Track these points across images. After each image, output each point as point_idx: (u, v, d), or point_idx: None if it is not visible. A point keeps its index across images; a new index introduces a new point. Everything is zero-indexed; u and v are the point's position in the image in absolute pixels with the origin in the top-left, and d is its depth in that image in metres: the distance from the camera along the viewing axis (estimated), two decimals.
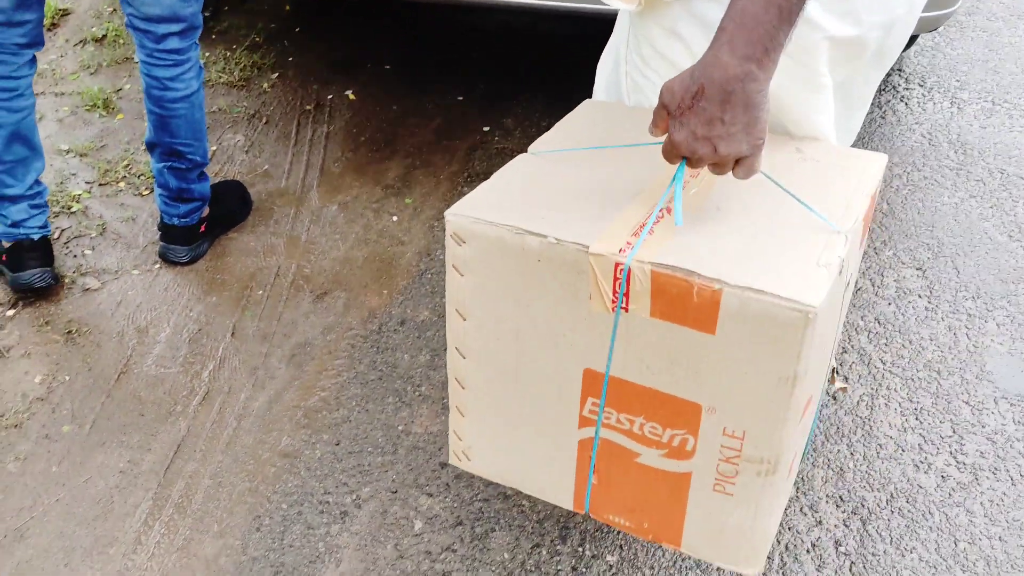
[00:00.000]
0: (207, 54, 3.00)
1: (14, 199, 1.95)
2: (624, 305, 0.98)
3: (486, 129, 2.72)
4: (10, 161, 1.93)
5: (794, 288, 0.90)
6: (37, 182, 1.99)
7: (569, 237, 0.99)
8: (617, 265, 0.96)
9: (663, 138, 0.99)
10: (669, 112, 0.95)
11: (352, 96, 2.84)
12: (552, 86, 2.89)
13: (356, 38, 3.13)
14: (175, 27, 1.90)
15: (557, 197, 1.07)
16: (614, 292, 0.98)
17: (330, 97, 2.84)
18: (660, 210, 1.02)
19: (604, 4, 1.19)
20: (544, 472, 1.19)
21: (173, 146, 2.02)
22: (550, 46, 3.13)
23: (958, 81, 3.08)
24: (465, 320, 1.12)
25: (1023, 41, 3.39)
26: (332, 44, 3.10)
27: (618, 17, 1.40)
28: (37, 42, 1.90)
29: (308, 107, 2.79)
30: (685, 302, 0.94)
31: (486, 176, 2.73)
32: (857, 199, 1.07)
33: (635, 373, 1.03)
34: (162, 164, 2.05)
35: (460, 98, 2.86)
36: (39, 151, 1.99)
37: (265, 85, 2.88)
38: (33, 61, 1.93)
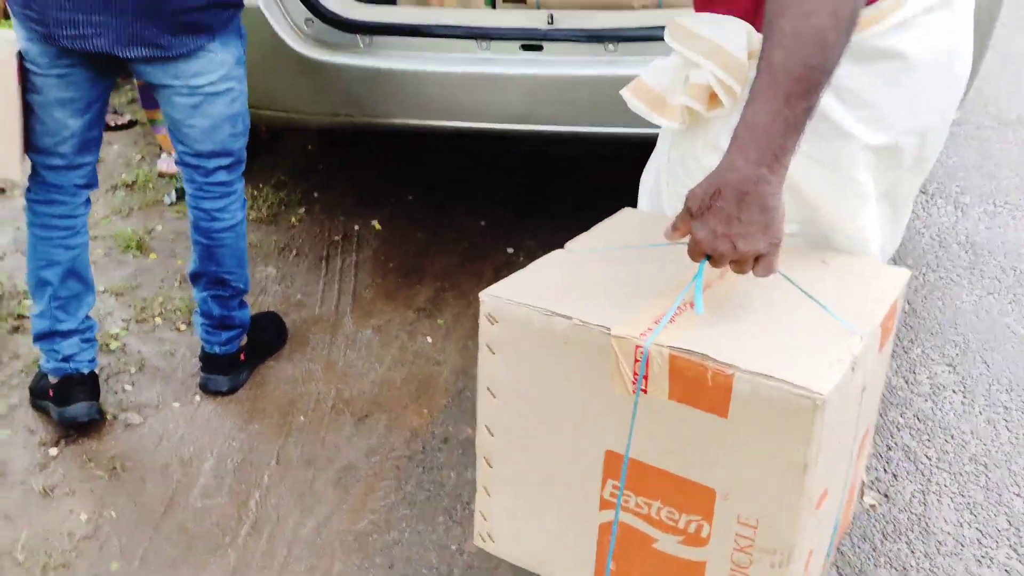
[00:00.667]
0: None
1: (66, 334, 1.99)
2: (643, 387, 1.04)
3: (510, 251, 2.80)
4: (64, 296, 1.99)
5: (805, 376, 0.94)
6: (87, 317, 2.04)
7: (594, 320, 1.05)
8: (637, 348, 1.02)
9: (676, 239, 1.07)
10: (692, 214, 1.02)
11: (378, 226, 2.94)
12: (572, 207, 3.00)
13: (378, 171, 3.26)
14: (224, 161, 2.00)
15: (586, 287, 1.15)
16: (634, 374, 1.03)
17: (357, 228, 2.94)
18: (682, 302, 1.07)
19: (653, 123, 1.26)
20: (565, 556, 1.21)
21: (218, 275, 2.08)
22: (567, 167, 3.26)
23: (958, 186, 3.21)
24: (495, 398, 1.18)
25: (1014, 147, 3.54)
26: (355, 178, 3.22)
27: (660, 135, 1.49)
28: (93, 183, 2.00)
29: (336, 238, 2.88)
30: (700, 385, 0.99)
31: None
32: (877, 306, 1.12)
33: (653, 455, 1.07)
34: (206, 293, 2.11)
35: (482, 223, 2.96)
36: (91, 286, 2.06)
37: (293, 220, 2.97)
38: (88, 201, 2.02)
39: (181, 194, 3.08)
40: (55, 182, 1.94)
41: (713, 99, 1.16)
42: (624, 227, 1.34)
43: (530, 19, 2.18)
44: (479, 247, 2.83)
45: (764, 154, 0.96)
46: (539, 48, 2.15)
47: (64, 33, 1.73)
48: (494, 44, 2.17)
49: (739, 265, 1.02)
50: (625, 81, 2.13)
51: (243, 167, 2.06)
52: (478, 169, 3.27)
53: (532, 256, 2.73)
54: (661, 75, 1.21)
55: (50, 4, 1.70)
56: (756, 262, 1.01)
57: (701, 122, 1.21)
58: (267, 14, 2.22)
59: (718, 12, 1.17)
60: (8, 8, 1.81)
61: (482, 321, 1.15)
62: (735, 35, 1.12)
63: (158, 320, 2.48)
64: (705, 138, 1.23)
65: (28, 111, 1.84)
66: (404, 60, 2.23)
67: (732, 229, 0.98)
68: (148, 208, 3.04)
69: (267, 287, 2.64)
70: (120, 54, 1.77)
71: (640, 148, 3.22)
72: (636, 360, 1.02)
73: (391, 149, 3.36)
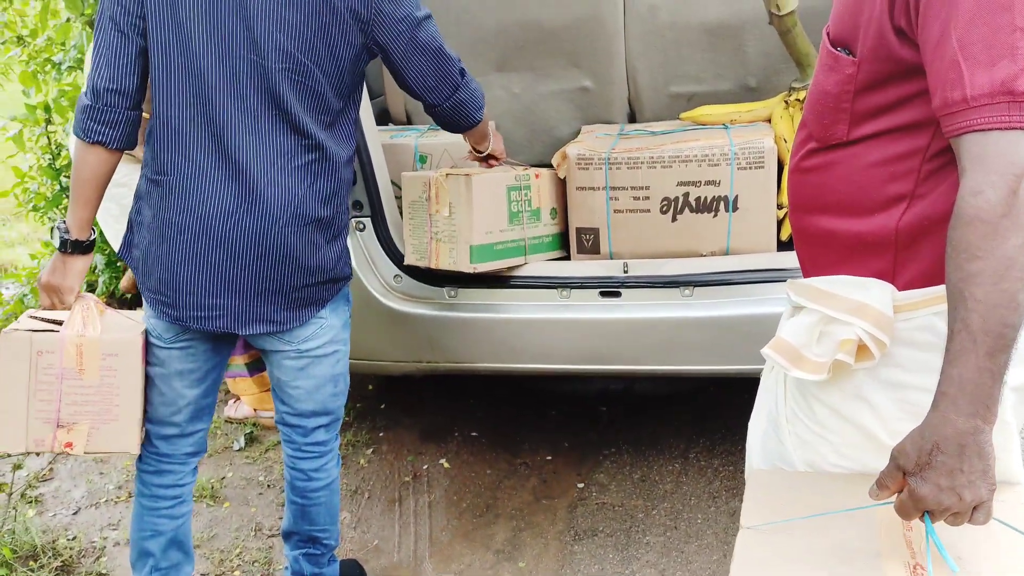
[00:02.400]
0: None
1: None
2: None
3: (581, 486, 2.81)
4: (165, 567, 1.97)
5: None
6: None
7: None
8: None
9: (883, 498, 1.10)
10: (906, 471, 1.06)
11: (447, 464, 2.96)
12: (634, 438, 3.03)
13: (440, 409, 3.33)
14: (324, 420, 2.01)
15: (808, 569, 1.13)
16: None
17: (425, 467, 2.96)
18: (915, 565, 1.08)
19: (790, 374, 1.33)
20: None
21: (312, 533, 2.07)
22: (626, 401, 3.33)
23: None
24: None
25: None
26: (418, 416, 3.28)
27: (763, 379, 1.56)
28: (202, 450, 2.02)
29: (406, 479, 2.90)
30: None
31: (594, 534, 2.76)
32: None
33: None
34: (298, 551, 2.09)
35: (549, 457, 2.98)
36: (191, 555, 2.04)
37: (362, 461, 3.00)
38: (195, 469, 2.02)
39: (250, 439, 3.13)
40: (167, 451, 1.95)
41: (861, 352, 1.24)
42: (782, 491, 1.34)
43: (607, 268, 2.33)
44: (549, 483, 2.84)
45: (977, 406, 1.03)
46: (617, 294, 2.29)
47: (190, 315, 1.79)
48: (574, 292, 2.31)
49: (958, 517, 1.06)
50: (702, 322, 2.26)
51: (340, 424, 2.08)
52: (539, 406, 3.34)
53: (604, 490, 2.77)
54: (797, 332, 1.30)
55: (180, 290, 1.77)
56: (975, 510, 1.05)
57: (842, 374, 1.28)
58: (359, 273, 2.37)
59: (850, 274, 1.27)
60: (139, 288, 1.89)
61: None
62: (880, 295, 1.22)
63: (237, 573, 2.45)
64: (844, 388, 1.29)
65: (147, 383, 1.88)
66: (489, 309, 2.36)
67: (956, 481, 1.04)
68: (218, 455, 3.07)
69: (343, 533, 2.62)
70: (240, 332, 1.82)
71: (709, 383, 3.31)
72: None
73: (452, 386, 3.44)
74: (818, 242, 1.36)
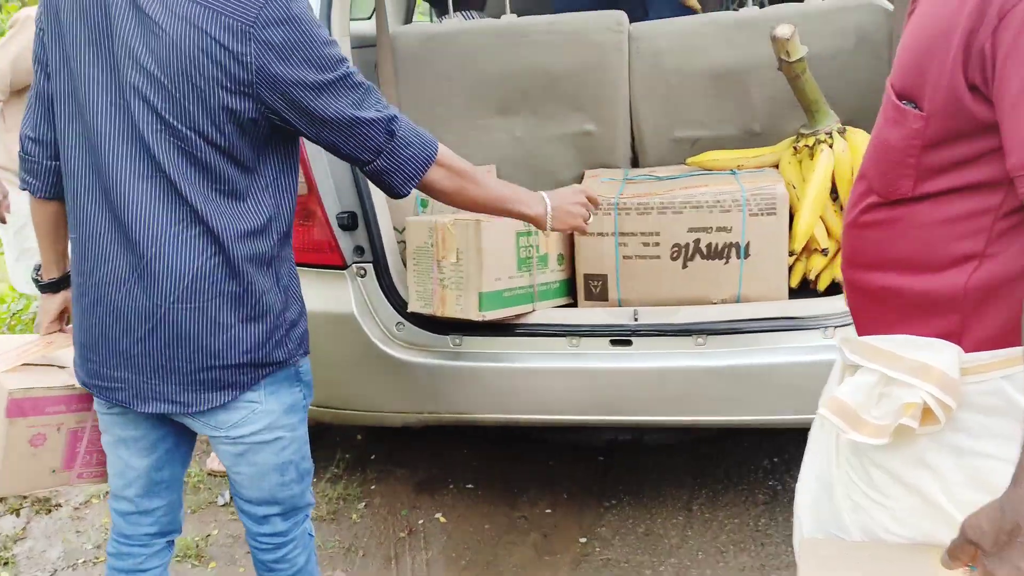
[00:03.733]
0: None
1: None
2: None
3: (583, 540, 2.71)
4: None
5: None
6: None
7: None
8: None
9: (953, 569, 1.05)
10: (983, 549, 1.02)
11: (443, 519, 2.85)
12: (635, 489, 2.95)
13: (433, 459, 3.22)
14: (275, 509, 1.78)
15: None
16: None
17: (421, 522, 2.85)
18: None
19: (849, 437, 1.26)
20: None
21: None
22: (626, 449, 3.25)
23: None
24: None
25: None
26: (411, 467, 3.17)
27: (812, 440, 1.49)
28: (170, 530, 1.83)
29: (402, 534, 2.78)
30: None
31: None
32: None
33: None
34: None
35: (548, 510, 2.88)
36: None
37: (354, 516, 2.88)
38: (165, 550, 1.84)
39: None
40: (127, 531, 1.79)
41: (925, 416, 1.18)
42: (837, 563, 1.28)
43: (616, 316, 2.27)
44: (550, 538, 2.74)
45: None
46: (628, 343, 2.23)
47: (94, 383, 1.64)
48: (584, 340, 2.24)
49: None
50: (717, 372, 2.20)
51: (304, 513, 1.85)
52: (534, 454, 3.25)
53: (607, 545, 2.68)
54: (856, 393, 1.24)
55: (85, 357, 1.63)
56: None
57: (904, 438, 1.22)
58: (360, 320, 2.29)
59: (912, 334, 1.22)
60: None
61: None
62: (947, 356, 1.17)
63: None
64: (907, 454, 1.23)
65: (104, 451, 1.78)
66: (495, 358, 2.28)
67: None
68: (202, 510, 2.93)
69: None
70: (140, 409, 1.61)
71: (709, 432, 3.22)
72: None
73: (445, 434, 3.34)
74: (876, 299, 1.29)
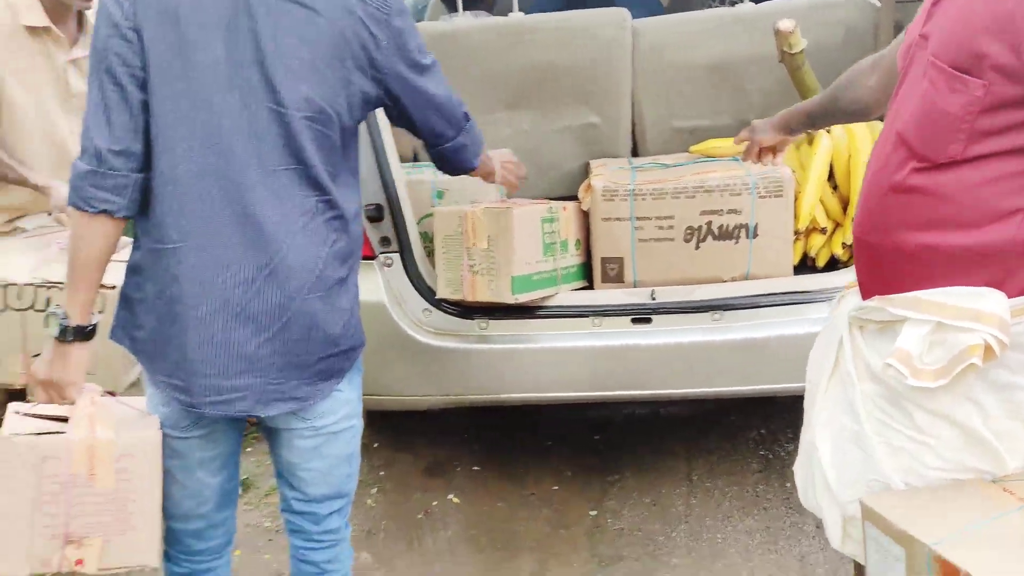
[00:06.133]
0: None
1: None
2: None
3: (593, 513, 2.84)
4: None
5: None
6: None
7: None
8: None
9: None
10: None
11: (456, 500, 2.95)
12: (636, 464, 3.09)
13: (437, 445, 3.31)
14: (337, 504, 1.81)
15: None
16: None
17: (435, 503, 2.93)
18: None
19: (902, 373, 1.41)
20: None
21: None
22: (623, 427, 3.39)
23: None
24: None
25: None
26: (415, 453, 3.25)
27: (814, 407, 1.64)
28: (232, 534, 1.85)
29: (418, 516, 2.86)
30: None
31: (619, 560, 2.79)
32: None
33: None
34: None
35: (555, 487, 3.00)
36: None
37: (369, 502, 2.95)
38: (228, 559, 1.86)
39: (246, 485, 3.03)
40: (199, 547, 1.78)
41: (988, 353, 1.34)
42: (907, 505, 1.40)
43: (634, 296, 2.40)
44: (562, 512, 2.86)
45: None
46: (648, 321, 2.36)
47: (208, 400, 1.59)
48: (606, 320, 2.37)
49: None
50: (732, 345, 2.35)
51: (349, 511, 1.88)
52: (533, 437, 3.36)
53: (617, 516, 2.82)
54: (916, 343, 1.39)
55: (196, 372, 1.57)
56: None
57: (953, 379, 1.38)
58: (388, 309, 2.37)
59: (954, 286, 1.38)
60: (147, 376, 1.67)
61: None
62: (999, 301, 1.34)
63: None
64: (957, 391, 1.38)
65: (165, 478, 1.66)
66: (521, 340, 2.39)
67: None
68: None
69: (367, 574, 2.57)
70: (262, 413, 1.63)
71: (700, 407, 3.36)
72: None
73: (444, 420, 3.42)
74: (912, 259, 1.44)
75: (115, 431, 1.57)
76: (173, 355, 1.58)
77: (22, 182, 2.36)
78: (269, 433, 1.74)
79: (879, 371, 1.46)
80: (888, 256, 1.49)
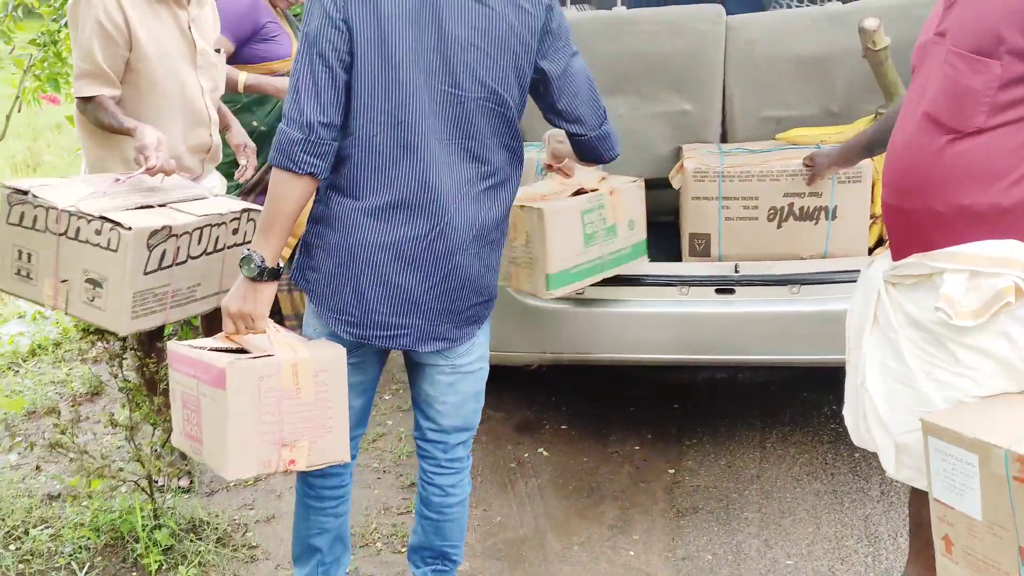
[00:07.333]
0: (387, 424, 3.40)
1: None
2: None
3: (672, 472, 3.08)
4: (329, 562, 2.13)
5: None
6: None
7: None
8: None
9: None
10: None
11: (545, 453, 3.23)
12: (712, 431, 3.32)
13: (527, 404, 3.59)
14: (464, 436, 2.10)
15: None
16: None
17: (526, 455, 3.22)
18: None
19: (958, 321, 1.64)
20: None
21: (443, 549, 2.15)
22: (701, 397, 3.62)
23: None
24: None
25: None
26: (507, 411, 3.54)
27: (857, 359, 1.88)
28: (356, 451, 2.09)
29: (511, 464, 3.15)
30: None
31: (695, 511, 3.02)
32: None
33: None
34: (427, 568, 2.17)
35: (637, 447, 3.26)
36: (348, 547, 2.19)
37: None
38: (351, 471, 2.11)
39: None
40: (336, 468, 2.02)
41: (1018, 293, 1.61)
42: (961, 415, 1.65)
43: (719, 269, 2.64)
44: (642, 469, 3.11)
45: None
46: (732, 291, 2.59)
47: (375, 334, 1.88)
48: (692, 289, 2.61)
49: None
50: (808, 316, 2.56)
51: (471, 444, 2.15)
52: (617, 402, 3.62)
53: (694, 474, 3.07)
54: (957, 289, 1.63)
55: (369, 310, 1.86)
56: None
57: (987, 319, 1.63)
58: None
59: (980, 239, 1.64)
60: (313, 307, 1.92)
61: None
62: (1022, 250, 1.62)
63: (379, 545, 2.69)
64: (992, 328, 1.64)
65: None
66: (615, 304, 2.65)
67: None
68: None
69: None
70: (419, 348, 1.91)
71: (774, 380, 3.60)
72: None
73: (532, 384, 3.71)
74: (944, 219, 1.70)
75: (310, 351, 1.83)
76: (348, 295, 1.85)
77: (120, 129, 2.45)
78: (414, 368, 2.03)
79: (919, 318, 1.72)
80: (922, 219, 1.74)
